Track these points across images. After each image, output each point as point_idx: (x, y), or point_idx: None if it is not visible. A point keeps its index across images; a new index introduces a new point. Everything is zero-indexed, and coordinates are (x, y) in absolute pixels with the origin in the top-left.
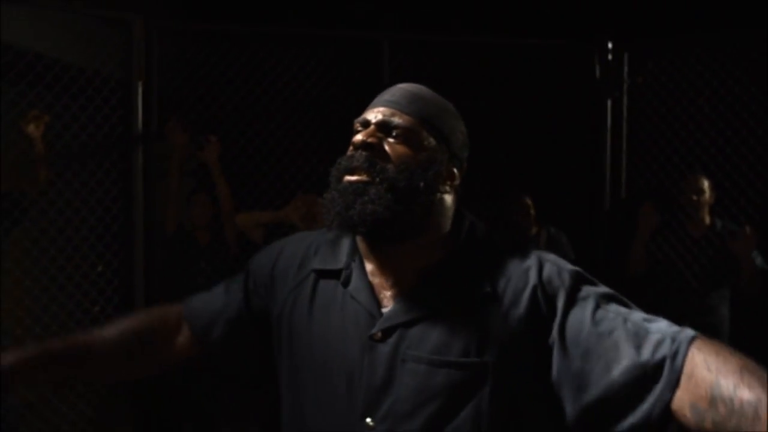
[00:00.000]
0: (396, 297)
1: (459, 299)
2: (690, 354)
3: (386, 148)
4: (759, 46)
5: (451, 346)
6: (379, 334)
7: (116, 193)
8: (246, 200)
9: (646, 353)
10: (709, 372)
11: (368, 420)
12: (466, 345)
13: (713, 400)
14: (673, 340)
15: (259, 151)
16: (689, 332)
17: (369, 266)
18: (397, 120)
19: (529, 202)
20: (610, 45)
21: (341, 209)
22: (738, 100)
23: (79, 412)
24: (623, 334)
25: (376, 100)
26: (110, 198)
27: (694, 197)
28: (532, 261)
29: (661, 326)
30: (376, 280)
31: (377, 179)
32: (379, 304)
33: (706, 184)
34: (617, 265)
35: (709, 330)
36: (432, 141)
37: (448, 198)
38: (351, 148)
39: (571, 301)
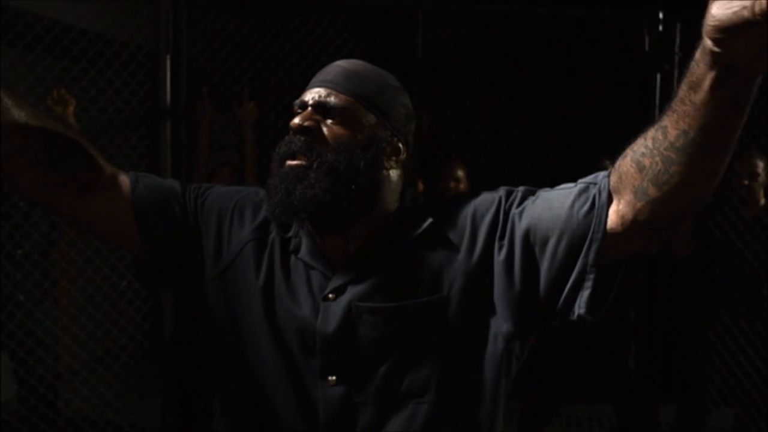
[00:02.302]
0: (345, 258)
1: (405, 248)
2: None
3: (324, 130)
4: None
5: (405, 292)
6: (332, 295)
7: (144, 168)
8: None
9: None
10: (625, 158)
11: (330, 378)
12: (419, 287)
13: (638, 163)
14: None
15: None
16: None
17: (317, 233)
18: (333, 100)
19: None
20: (661, 15)
21: (283, 195)
22: None
23: (107, 384)
24: (555, 196)
25: (313, 80)
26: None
27: (746, 182)
28: (470, 196)
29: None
30: (326, 245)
31: (315, 163)
32: (333, 267)
33: (760, 165)
34: (662, 245)
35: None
36: (372, 118)
37: (394, 173)
38: (291, 132)
39: (507, 211)
